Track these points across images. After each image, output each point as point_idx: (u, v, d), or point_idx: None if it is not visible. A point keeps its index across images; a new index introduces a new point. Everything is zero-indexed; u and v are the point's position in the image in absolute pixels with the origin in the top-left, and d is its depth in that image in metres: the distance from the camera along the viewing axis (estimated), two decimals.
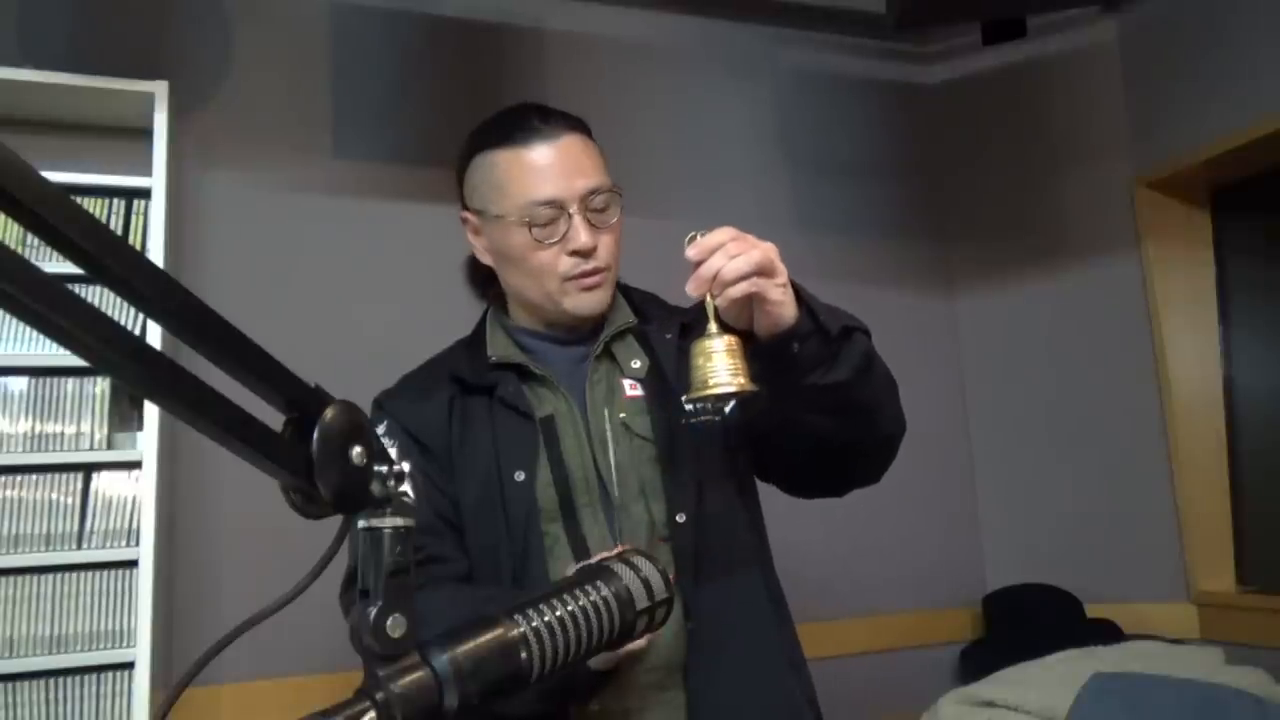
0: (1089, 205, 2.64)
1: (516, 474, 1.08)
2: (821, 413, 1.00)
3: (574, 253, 1.09)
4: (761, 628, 1.11)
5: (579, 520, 1.08)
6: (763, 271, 0.91)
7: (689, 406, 0.93)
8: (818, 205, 2.72)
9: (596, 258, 1.10)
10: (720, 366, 0.89)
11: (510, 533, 1.06)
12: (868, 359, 1.00)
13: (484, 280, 1.23)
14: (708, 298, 0.92)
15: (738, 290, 0.90)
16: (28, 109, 1.97)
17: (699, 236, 0.92)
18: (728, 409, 0.95)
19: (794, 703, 1.11)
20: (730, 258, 0.90)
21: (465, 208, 1.18)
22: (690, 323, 1.16)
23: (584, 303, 1.12)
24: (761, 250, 0.91)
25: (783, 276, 0.93)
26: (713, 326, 0.91)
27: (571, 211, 1.08)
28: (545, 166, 1.08)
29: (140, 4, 2.17)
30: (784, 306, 0.92)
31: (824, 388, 0.96)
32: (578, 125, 1.14)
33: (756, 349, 0.96)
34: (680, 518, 1.07)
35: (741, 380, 0.89)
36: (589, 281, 1.11)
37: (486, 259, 1.18)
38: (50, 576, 1.77)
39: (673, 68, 2.65)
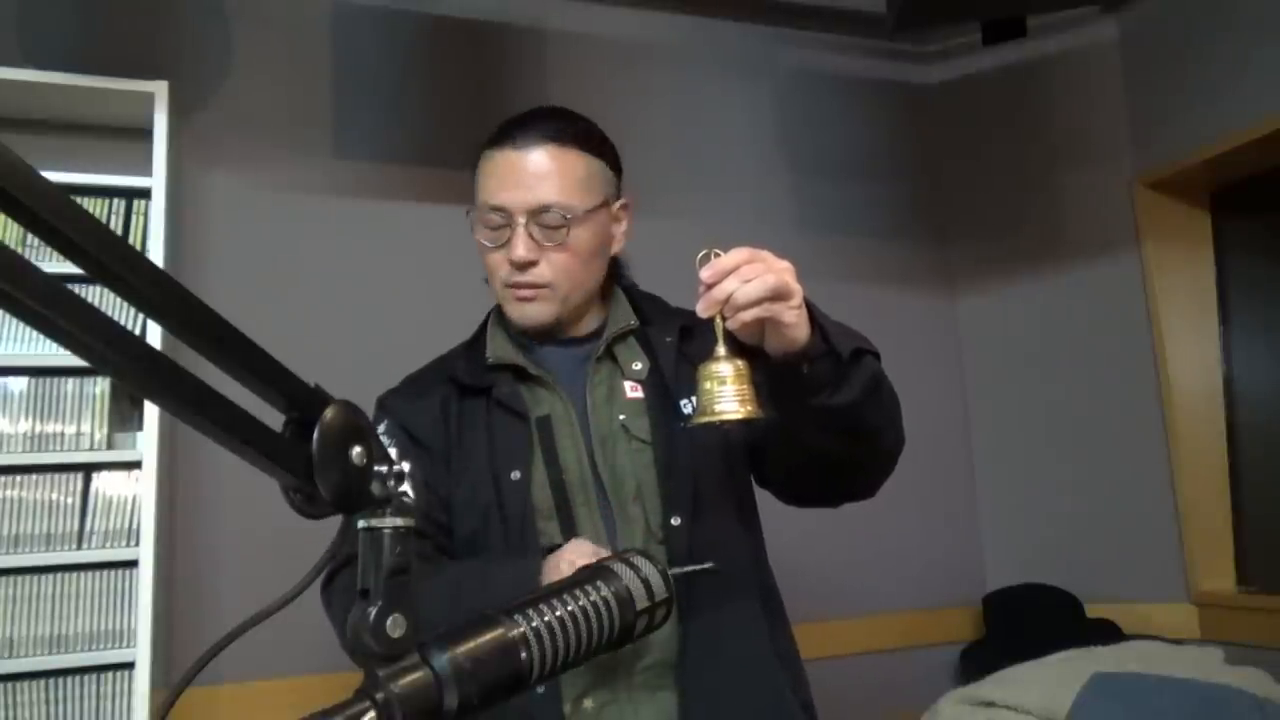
0: (1089, 205, 2.64)
1: (512, 473, 1.08)
2: (826, 431, 0.99)
3: (512, 262, 1.10)
4: (755, 629, 1.11)
5: (575, 520, 1.08)
6: (777, 296, 0.88)
7: (694, 423, 0.93)
8: (818, 205, 2.72)
9: (534, 273, 1.11)
10: (728, 393, 0.89)
11: (506, 531, 1.07)
12: (876, 381, 0.99)
13: None
14: (717, 319, 0.90)
15: (749, 315, 0.88)
16: (28, 109, 1.97)
17: (713, 256, 0.90)
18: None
19: (786, 703, 1.11)
20: (744, 281, 0.87)
21: None
22: (690, 326, 1.16)
23: (519, 312, 1.13)
24: (776, 274, 0.88)
25: (797, 298, 0.90)
26: (721, 349, 0.90)
27: (518, 222, 1.09)
28: (503, 174, 1.10)
29: (140, 4, 2.17)
30: (797, 329, 0.91)
31: (831, 408, 0.95)
32: (560, 137, 1.12)
33: (766, 367, 0.95)
34: (675, 520, 1.07)
35: (749, 408, 0.89)
36: (521, 294, 1.12)
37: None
38: (50, 576, 1.77)
39: (673, 68, 2.65)
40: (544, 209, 1.09)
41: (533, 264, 1.10)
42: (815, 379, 0.94)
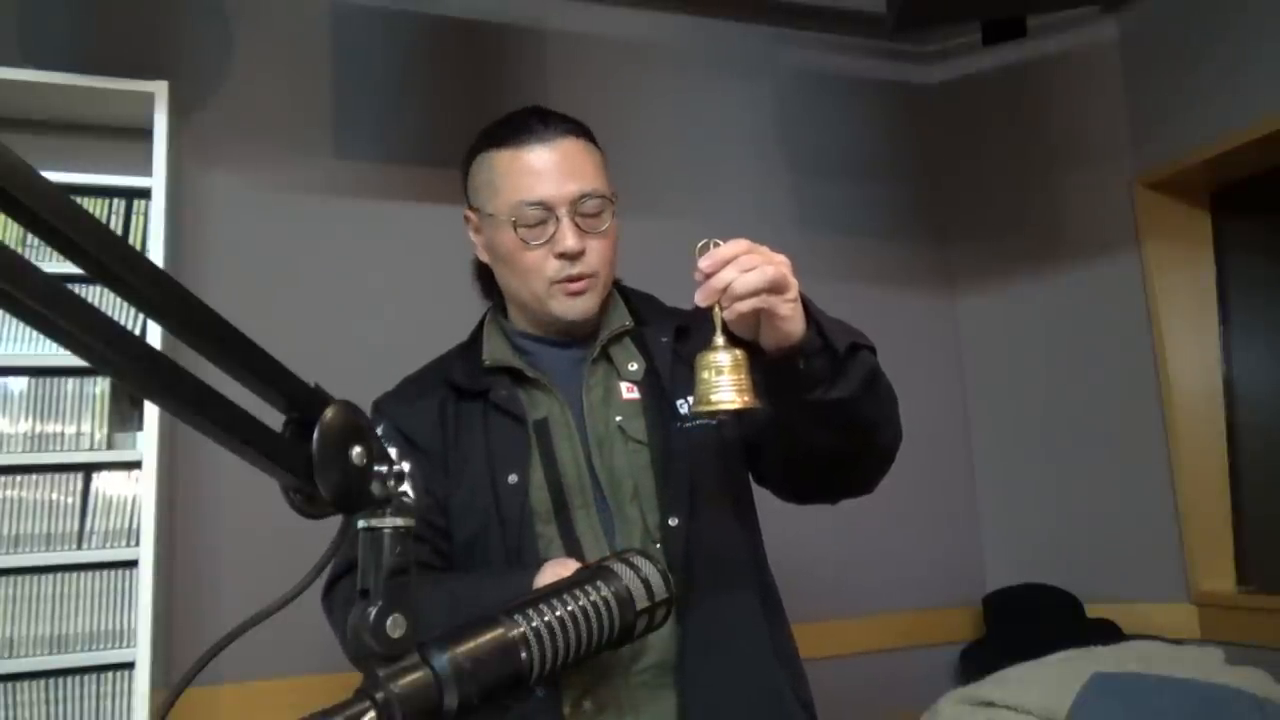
0: (1089, 205, 2.64)
1: (510, 476, 1.08)
2: (822, 427, 0.99)
3: (560, 255, 1.09)
4: (754, 629, 1.11)
5: (573, 522, 1.08)
6: (774, 288, 0.89)
7: (691, 415, 0.92)
8: (818, 205, 2.72)
9: (584, 263, 1.10)
10: (725, 382, 0.89)
11: (505, 534, 1.07)
12: (872, 376, 0.99)
13: (489, 281, 1.23)
14: (715, 309, 0.90)
15: (746, 305, 0.88)
16: (28, 109, 1.97)
17: (712, 246, 0.90)
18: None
19: (785, 703, 1.11)
20: (742, 271, 0.88)
21: (469, 207, 1.18)
22: (686, 326, 1.16)
23: (569, 307, 1.12)
24: (775, 266, 0.89)
25: (794, 292, 0.91)
26: (719, 339, 0.90)
27: (560, 214, 1.09)
28: (538, 169, 1.09)
29: (140, 4, 2.17)
30: (793, 322, 0.91)
31: (827, 403, 0.95)
32: (578, 129, 1.14)
33: (762, 362, 0.95)
34: (673, 521, 1.07)
35: (746, 398, 0.89)
36: (574, 287, 1.11)
37: (484, 257, 1.19)
38: (50, 576, 1.77)
39: (673, 68, 2.65)
40: (584, 196, 1.09)
41: (581, 253, 1.10)
42: (811, 374, 0.94)
